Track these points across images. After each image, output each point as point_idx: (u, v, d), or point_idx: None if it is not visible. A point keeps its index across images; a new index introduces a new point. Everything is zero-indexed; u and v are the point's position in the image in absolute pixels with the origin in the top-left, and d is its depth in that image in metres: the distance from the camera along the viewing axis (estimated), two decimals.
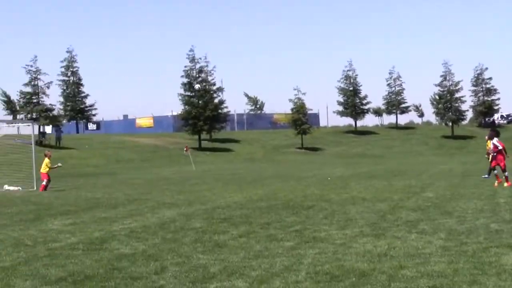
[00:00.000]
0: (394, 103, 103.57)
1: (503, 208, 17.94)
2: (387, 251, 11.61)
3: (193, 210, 19.37)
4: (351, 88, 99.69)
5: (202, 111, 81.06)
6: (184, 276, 9.94)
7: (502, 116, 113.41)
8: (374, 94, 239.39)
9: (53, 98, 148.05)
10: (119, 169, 55.12)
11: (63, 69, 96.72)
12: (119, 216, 18.15)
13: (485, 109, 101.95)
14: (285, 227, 15.00)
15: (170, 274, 10.08)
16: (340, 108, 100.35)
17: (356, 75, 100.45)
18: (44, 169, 30.94)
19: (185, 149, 54.82)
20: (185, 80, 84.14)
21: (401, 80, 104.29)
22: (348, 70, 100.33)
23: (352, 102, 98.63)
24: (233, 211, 18.61)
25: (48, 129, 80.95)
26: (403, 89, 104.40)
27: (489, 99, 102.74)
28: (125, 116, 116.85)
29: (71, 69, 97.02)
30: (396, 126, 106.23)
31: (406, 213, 17.12)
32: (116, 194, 25.94)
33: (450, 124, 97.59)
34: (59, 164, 32.29)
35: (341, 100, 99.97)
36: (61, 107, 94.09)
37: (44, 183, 30.28)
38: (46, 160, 31.31)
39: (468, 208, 18.13)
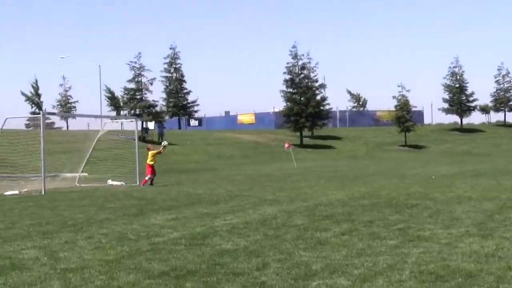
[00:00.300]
0: (503, 100, 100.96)
1: None
2: (495, 251, 11.25)
3: (295, 207, 19.31)
4: (457, 85, 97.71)
5: (304, 108, 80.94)
6: (286, 272, 9.87)
7: None
8: (481, 91, 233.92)
9: (156, 95, 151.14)
10: (220, 165, 55.67)
11: (166, 66, 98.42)
12: (221, 212, 18.27)
13: None
14: (388, 226, 14.76)
15: (272, 270, 10.04)
16: (446, 106, 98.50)
17: (463, 71, 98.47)
18: (150, 160, 31.31)
19: (286, 145, 54.84)
20: (287, 76, 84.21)
21: (510, 77, 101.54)
22: (454, 67, 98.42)
23: (458, 99, 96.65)
24: (335, 209, 18.46)
25: (151, 125, 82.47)
26: None
27: None
28: (227, 113, 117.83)
29: (174, 66, 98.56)
30: (504, 124, 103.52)
31: None
32: (217, 190, 26.14)
33: None
34: (165, 144, 32.64)
35: (447, 97, 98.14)
36: (164, 103, 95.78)
37: (146, 177, 30.70)
38: (150, 152, 31.70)
39: None
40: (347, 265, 10.32)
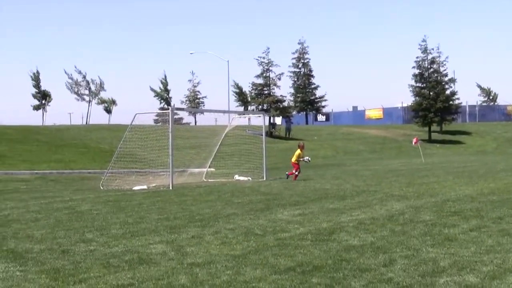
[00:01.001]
0: None
1: None
2: None
3: (422, 202, 19.13)
4: None
5: (433, 103, 79.66)
6: (413, 269, 9.89)
7: None
8: None
9: (284, 90, 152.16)
10: (347, 160, 55.56)
11: (294, 61, 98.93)
12: (347, 207, 18.32)
13: None
14: None
15: (399, 267, 10.07)
16: None
17: None
18: (294, 159, 31.63)
19: (414, 140, 54.19)
20: (417, 71, 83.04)
21: None
22: None
23: None
24: (464, 204, 18.18)
25: (278, 120, 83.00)
26: None
27: None
28: (355, 108, 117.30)
29: (302, 61, 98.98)
30: None
31: None
32: (344, 186, 26.15)
33: None
34: (307, 159, 32.16)
35: None
36: (291, 98, 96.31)
37: (296, 172, 31.16)
38: (298, 151, 31.76)
39: None
40: (475, 262, 10.24)
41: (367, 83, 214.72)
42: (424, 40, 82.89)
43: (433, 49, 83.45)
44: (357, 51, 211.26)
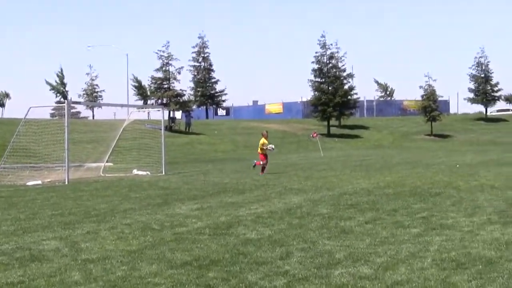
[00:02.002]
0: None
1: None
2: None
3: (320, 196, 19.41)
4: (482, 75, 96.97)
5: (331, 97, 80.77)
6: (309, 261, 10.00)
7: None
8: (506, 81, 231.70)
9: (184, 84, 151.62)
10: (247, 154, 55.78)
11: (194, 55, 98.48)
12: (246, 201, 18.41)
13: None
14: (412, 214, 14.86)
15: (295, 259, 10.16)
16: (471, 95, 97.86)
17: (488, 62, 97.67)
18: (259, 149, 31.21)
19: (313, 135, 54.89)
20: (316, 66, 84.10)
21: None
22: (480, 57, 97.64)
23: (483, 89, 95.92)
24: (360, 198, 18.55)
25: (178, 114, 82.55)
26: None
27: None
28: (255, 102, 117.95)
29: (202, 55, 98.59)
30: None
31: None
32: (243, 180, 26.28)
33: None
34: (270, 147, 31.23)
35: (472, 87, 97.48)
36: (192, 92, 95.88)
37: (262, 162, 30.65)
38: (262, 140, 31.19)
39: None
40: (370, 254, 10.44)
41: (267, 78, 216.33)
42: (323, 36, 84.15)
43: (331, 44, 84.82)
44: (257, 46, 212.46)
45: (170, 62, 78.27)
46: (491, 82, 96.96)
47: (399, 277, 8.86)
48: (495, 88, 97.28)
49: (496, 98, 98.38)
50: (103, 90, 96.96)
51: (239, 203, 17.87)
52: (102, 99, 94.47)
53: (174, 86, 78.50)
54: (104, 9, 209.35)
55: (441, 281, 8.61)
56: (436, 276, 8.85)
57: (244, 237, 12.26)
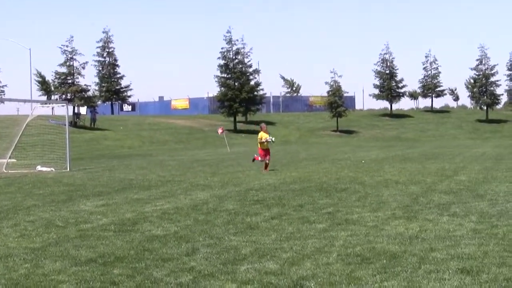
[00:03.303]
0: (430, 87, 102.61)
1: None
2: (419, 233, 11.58)
3: (226, 192, 19.40)
4: (387, 71, 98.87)
5: (238, 93, 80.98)
6: (215, 257, 9.96)
7: None
8: (410, 77, 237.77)
9: (89, 79, 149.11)
10: (153, 150, 55.42)
11: (99, 50, 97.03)
12: (152, 197, 18.24)
13: None
14: (318, 209, 14.99)
15: (201, 255, 10.11)
16: (376, 91, 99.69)
17: (393, 58, 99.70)
18: (259, 144, 29.05)
19: (220, 130, 54.91)
20: (222, 62, 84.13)
21: (437, 64, 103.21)
22: (385, 54, 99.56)
23: (388, 85, 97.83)
24: (267, 193, 18.60)
25: (83, 110, 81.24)
26: (439, 72, 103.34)
27: None
28: (161, 98, 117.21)
29: (107, 50, 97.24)
30: (431, 110, 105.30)
31: (438, 196, 17.05)
32: (149, 176, 26.05)
33: (485, 108, 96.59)
34: (270, 139, 28.83)
35: (377, 83, 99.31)
36: (96, 88, 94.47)
37: (260, 158, 28.88)
38: (259, 134, 29.21)
39: (500, 191, 18.05)
40: (276, 249, 10.46)
41: (173, 74, 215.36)
42: (229, 31, 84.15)
43: (237, 40, 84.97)
44: (163, 42, 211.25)
45: (74, 57, 76.84)
46: (395, 78, 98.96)
47: (304, 272, 8.89)
48: (400, 85, 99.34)
49: (401, 94, 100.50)
50: (6, 85, 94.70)
51: (145, 200, 17.69)
52: (4, 94, 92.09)
53: (78, 81, 77.17)
54: (6, 2, 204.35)
55: (346, 275, 8.68)
56: (341, 271, 8.91)
57: (150, 234, 12.12)
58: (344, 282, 8.37)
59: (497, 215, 13.50)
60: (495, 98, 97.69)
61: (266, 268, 9.19)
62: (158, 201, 17.18)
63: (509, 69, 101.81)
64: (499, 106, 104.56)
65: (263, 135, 28.67)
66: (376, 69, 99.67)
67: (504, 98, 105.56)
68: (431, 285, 8.11)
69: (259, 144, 28.93)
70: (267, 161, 28.10)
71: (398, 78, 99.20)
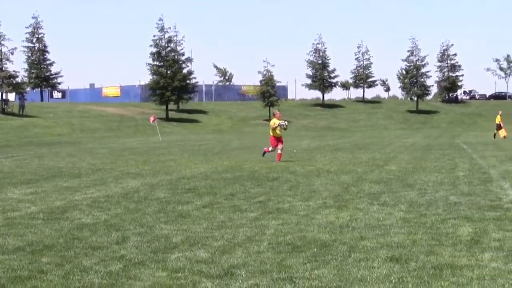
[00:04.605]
0: (362, 77, 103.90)
1: (462, 181, 18.17)
2: (349, 222, 11.69)
3: (158, 180, 19.28)
4: (319, 62, 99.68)
5: (170, 81, 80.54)
6: (146, 246, 9.89)
7: (465, 92, 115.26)
8: (342, 67, 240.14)
9: (17, 65, 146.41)
10: (83, 138, 54.81)
11: (28, 35, 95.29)
12: (82, 185, 18.00)
13: (449, 85, 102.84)
14: (249, 198, 15.01)
15: (132, 244, 10.03)
16: (309, 81, 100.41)
17: (325, 48, 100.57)
18: (271, 132, 26.50)
19: (151, 119, 54.56)
20: (154, 49, 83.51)
21: (369, 55, 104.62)
22: (317, 43, 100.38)
23: (321, 75, 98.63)
24: (198, 182, 18.56)
25: (11, 96, 79.64)
26: (371, 63, 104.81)
27: (453, 75, 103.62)
28: (92, 85, 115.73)
29: (37, 36, 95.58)
30: (362, 100, 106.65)
31: (369, 186, 17.24)
32: (79, 164, 25.72)
33: (415, 98, 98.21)
34: (284, 123, 26.43)
35: (310, 73, 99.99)
36: (25, 74, 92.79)
37: (270, 149, 26.59)
38: (272, 121, 26.75)
39: (429, 181, 18.33)
40: (207, 238, 10.44)
41: (104, 61, 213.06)
42: (161, 19, 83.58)
43: (170, 28, 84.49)
44: (94, 28, 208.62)
45: (2, 42, 75.30)
46: (328, 68, 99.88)
47: (235, 261, 8.89)
48: (332, 75, 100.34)
49: (333, 84, 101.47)
50: None
51: (75, 188, 17.46)
52: None
53: (7, 67, 75.57)
54: None
55: (277, 264, 8.70)
56: (272, 259, 8.94)
57: (80, 222, 11.98)
58: (274, 270, 8.39)
59: (426, 205, 13.72)
60: (425, 89, 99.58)
61: (197, 257, 9.16)
62: (88, 189, 16.97)
63: (439, 61, 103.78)
64: (429, 97, 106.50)
65: (275, 122, 26.25)
66: (309, 59, 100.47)
67: (434, 89, 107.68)
68: (360, 273, 8.19)
69: (271, 132, 26.41)
70: (279, 150, 25.96)
71: (330, 68, 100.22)
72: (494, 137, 48.52)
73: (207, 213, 12.93)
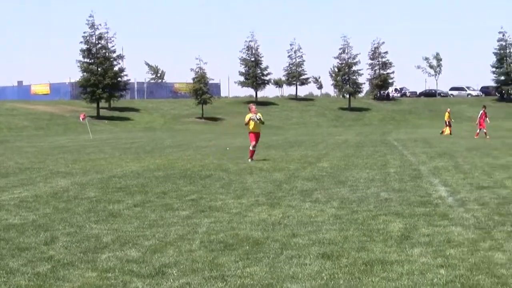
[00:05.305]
0: (295, 75, 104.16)
1: (393, 177, 18.36)
2: (281, 219, 11.69)
3: (88, 179, 19.01)
4: (252, 59, 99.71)
5: (101, 79, 79.71)
6: (75, 246, 9.73)
7: (396, 90, 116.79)
8: (275, 65, 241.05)
9: None
10: (11, 137, 53.86)
11: None
12: (9, 185, 17.63)
13: (381, 82, 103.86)
14: (181, 197, 14.91)
15: (61, 244, 9.86)
16: (242, 79, 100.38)
17: (258, 46, 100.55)
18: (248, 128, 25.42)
19: (81, 116, 53.85)
20: (84, 46, 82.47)
21: (301, 52, 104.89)
22: (250, 41, 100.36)
23: (253, 72, 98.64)
24: (129, 180, 18.36)
25: None
26: (304, 61, 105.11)
27: (384, 72, 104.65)
28: (20, 83, 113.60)
29: None
30: (295, 98, 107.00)
31: (301, 183, 17.29)
32: (7, 163, 25.21)
33: (348, 96, 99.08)
34: (257, 117, 25.25)
35: (243, 70, 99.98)
36: None
37: (251, 147, 24.97)
38: (247, 115, 25.62)
39: (360, 177, 18.49)
40: (138, 237, 10.33)
41: (33, 58, 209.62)
42: (91, 16, 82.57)
43: (100, 24, 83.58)
44: (22, 23, 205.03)
45: None
46: (261, 66, 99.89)
47: (167, 260, 8.80)
48: (265, 72, 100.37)
49: (266, 82, 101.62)
50: None
51: (2, 187, 17.12)
52: None
53: None
54: None
55: (208, 262, 8.65)
56: (204, 258, 8.88)
57: (6, 223, 11.73)
58: (206, 268, 8.33)
59: (357, 201, 13.82)
60: (357, 87, 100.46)
61: (127, 256, 9.05)
62: (15, 189, 16.63)
63: (371, 58, 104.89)
64: (361, 95, 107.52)
65: (248, 116, 25.33)
66: (242, 57, 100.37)
67: (366, 87, 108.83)
68: (292, 270, 8.19)
69: (248, 128, 25.36)
70: (251, 147, 24.87)
71: (263, 66, 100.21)
72: (442, 133, 49.30)
73: (139, 212, 12.79)
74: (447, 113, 50.64)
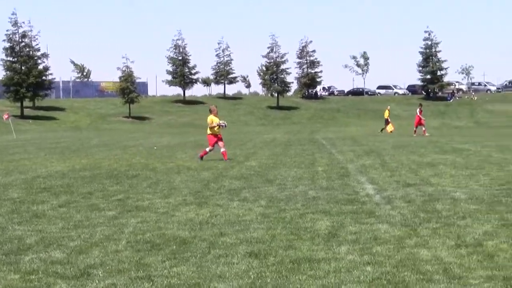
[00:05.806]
0: (223, 74, 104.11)
1: (321, 176, 18.49)
2: (209, 219, 11.65)
3: (11, 179, 18.62)
4: (180, 58, 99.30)
5: (25, 78, 78.48)
6: None
7: (324, 88, 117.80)
8: (203, 64, 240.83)
9: None
10: None
11: None
12: None
13: (309, 81, 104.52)
14: (108, 197, 14.73)
15: None
16: (169, 78, 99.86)
17: (186, 44, 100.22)
18: (208, 129, 24.65)
19: (5, 116, 52.82)
20: (7, 44, 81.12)
21: (229, 51, 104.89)
22: (177, 40, 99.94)
23: (181, 71, 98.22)
24: (54, 181, 18.04)
25: None
26: (232, 59, 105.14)
27: (312, 71, 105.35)
28: None
29: None
30: (224, 96, 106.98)
31: (229, 182, 17.26)
32: None
33: (276, 95, 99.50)
34: (223, 123, 24.97)
35: (170, 69, 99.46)
36: None
37: (208, 149, 24.62)
38: (209, 118, 24.86)
39: (288, 176, 18.55)
40: (63, 238, 10.16)
41: None
42: (14, 13, 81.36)
43: (24, 22, 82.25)
44: None
45: None
46: (188, 64, 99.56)
47: (92, 261, 8.68)
48: (193, 71, 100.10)
49: (194, 80, 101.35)
50: None
51: None
52: None
53: None
54: None
55: (135, 262, 8.56)
56: (130, 258, 8.79)
57: None
58: (133, 269, 8.25)
59: (285, 200, 13.86)
60: (285, 86, 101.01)
61: (52, 258, 8.89)
62: None
63: (298, 57, 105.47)
64: (289, 93, 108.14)
65: (213, 119, 24.49)
66: (169, 55, 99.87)
67: (294, 86, 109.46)
68: (220, 270, 8.16)
69: (208, 130, 24.65)
70: (223, 149, 24.28)
71: (191, 65, 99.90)
72: (381, 131, 49.83)
73: (64, 213, 12.58)
74: (387, 111, 51.15)
